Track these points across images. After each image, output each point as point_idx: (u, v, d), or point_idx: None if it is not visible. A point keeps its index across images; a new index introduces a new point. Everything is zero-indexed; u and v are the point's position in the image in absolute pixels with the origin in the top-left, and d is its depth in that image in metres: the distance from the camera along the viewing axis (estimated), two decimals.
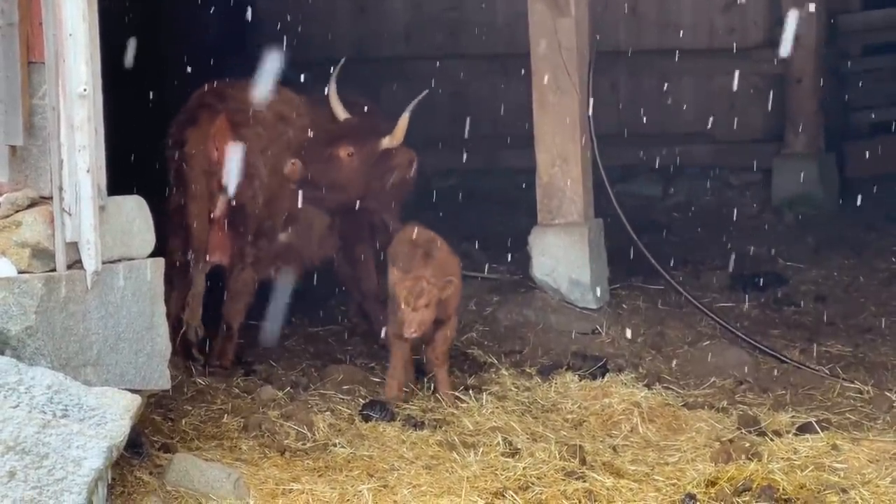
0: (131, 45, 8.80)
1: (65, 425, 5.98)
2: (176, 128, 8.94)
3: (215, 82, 9.13)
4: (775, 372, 9.05)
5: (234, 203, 8.84)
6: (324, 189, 8.98)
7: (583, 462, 7.19)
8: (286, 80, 9.25)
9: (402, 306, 8.03)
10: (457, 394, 8.22)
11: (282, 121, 9.05)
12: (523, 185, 10.65)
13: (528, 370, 8.91)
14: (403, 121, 9.04)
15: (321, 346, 9.53)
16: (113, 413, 6.11)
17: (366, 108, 9.39)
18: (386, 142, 9.07)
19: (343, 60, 9.36)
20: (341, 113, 9.18)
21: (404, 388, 8.41)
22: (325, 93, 9.28)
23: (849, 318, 10.15)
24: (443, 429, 7.87)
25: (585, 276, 9.70)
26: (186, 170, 8.79)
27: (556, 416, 8.15)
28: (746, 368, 9.03)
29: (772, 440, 7.57)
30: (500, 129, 13.78)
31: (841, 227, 12.42)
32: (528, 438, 7.68)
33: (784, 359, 9.18)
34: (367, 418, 8.01)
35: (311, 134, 9.05)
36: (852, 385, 8.73)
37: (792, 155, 13.37)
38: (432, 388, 8.45)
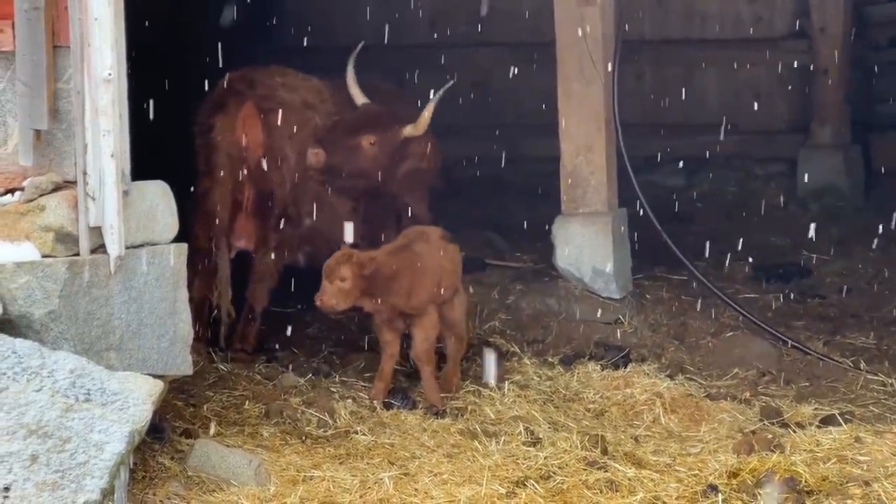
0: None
1: (87, 409, 5.99)
2: (203, 114, 8.96)
3: (244, 69, 9.14)
4: (799, 364, 9.02)
5: (262, 189, 8.85)
6: (346, 176, 8.98)
7: (604, 452, 7.18)
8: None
9: (323, 277, 7.93)
10: (439, 403, 8.07)
11: (308, 107, 9.06)
12: (547, 174, 10.63)
13: (550, 359, 8.90)
14: (428, 111, 9.03)
15: (343, 333, 9.53)
16: (135, 398, 6.11)
17: (388, 93, 9.38)
18: (408, 130, 9.05)
19: (360, 45, 9.34)
20: (360, 97, 9.17)
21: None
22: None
23: (873, 311, 10.11)
24: (464, 417, 7.87)
25: (609, 266, 9.68)
26: (213, 156, 8.81)
27: (578, 406, 8.14)
28: (769, 360, 9.00)
29: (794, 432, 7.54)
30: (524, 117, 13.76)
31: (866, 218, 12.36)
32: (549, 428, 7.68)
33: (807, 351, 9.15)
34: (388, 406, 8.01)
35: (333, 122, 9.04)
36: (876, 377, 8.70)
37: (817, 146, 13.31)
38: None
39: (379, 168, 9.03)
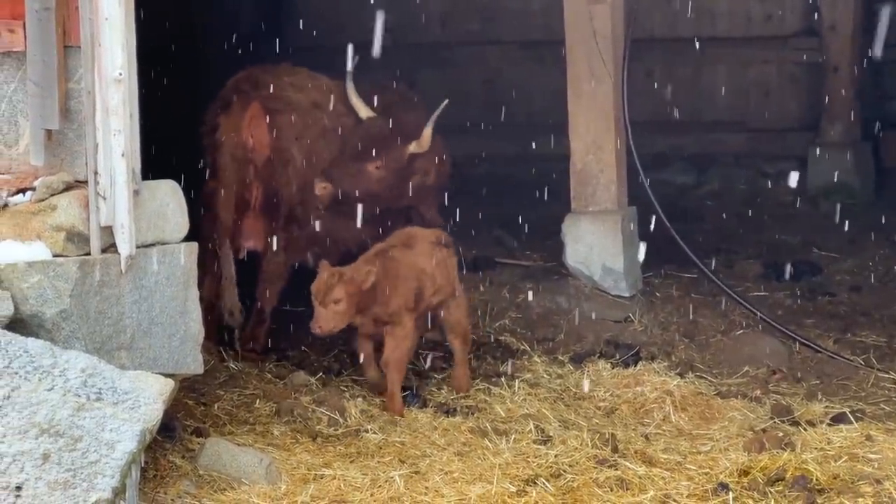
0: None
1: (99, 408, 6.00)
2: (210, 114, 8.97)
3: (251, 68, 9.13)
4: (809, 362, 9.02)
5: (269, 189, 8.85)
6: (354, 201, 8.95)
7: (615, 450, 7.18)
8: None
9: (314, 301, 7.80)
10: (397, 413, 7.91)
11: (317, 107, 9.05)
12: (557, 173, 10.62)
13: (560, 357, 8.90)
14: (428, 131, 8.99)
15: (354, 331, 9.51)
16: (146, 397, 6.12)
17: (398, 95, 9.35)
18: (413, 147, 9.00)
19: (356, 58, 9.20)
20: (363, 110, 9.08)
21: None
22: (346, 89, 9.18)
23: (883, 309, 10.09)
24: (475, 415, 7.87)
25: (619, 264, 9.68)
26: (219, 156, 8.82)
27: (589, 404, 8.14)
28: (780, 358, 9.00)
29: (805, 430, 7.54)
30: (534, 116, 13.76)
31: (876, 216, 12.34)
32: (560, 426, 7.68)
33: (818, 348, 9.14)
34: None
35: (338, 148, 8.99)
36: (887, 375, 8.69)
37: (827, 144, 13.30)
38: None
39: (387, 188, 9.00)
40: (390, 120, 9.01)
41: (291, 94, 8.98)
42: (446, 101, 9.00)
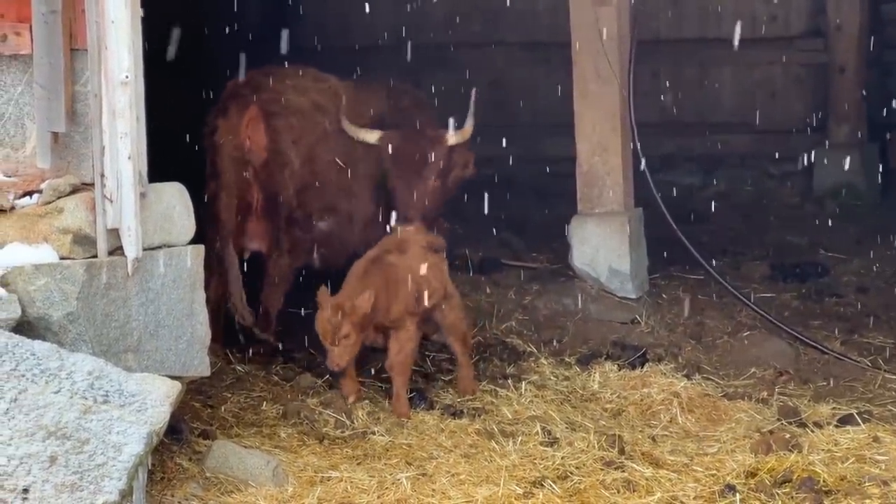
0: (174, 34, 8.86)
1: (105, 411, 6.00)
2: (210, 117, 8.98)
3: (251, 71, 9.13)
4: (816, 363, 9.01)
5: (269, 192, 8.86)
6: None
7: (622, 452, 7.18)
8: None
9: (322, 341, 7.80)
10: (404, 415, 7.91)
11: (318, 109, 9.04)
12: (563, 174, 10.62)
13: (567, 359, 8.90)
14: (470, 123, 9.06)
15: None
16: (153, 399, 6.13)
17: (407, 95, 9.37)
18: (454, 138, 9.05)
19: (344, 100, 9.21)
20: (370, 135, 9.08)
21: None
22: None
23: (890, 310, 10.08)
24: (481, 417, 7.87)
25: (625, 266, 9.68)
26: (218, 158, 8.83)
27: (595, 406, 8.14)
28: (787, 359, 8.99)
29: (812, 432, 7.53)
30: (540, 117, 13.75)
31: (883, 217, 12.34)
32: (566, 428, 7.68)
33: (825, 350, 9.13)
34: None
35: (393, 169, 9.04)
36: (894, 377, 8.68)
37: (834, 145, 13.28)
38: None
39: (442, 188, 9.13)
40: (407, 125, 9.07)
41: (292, 97, 8.98)
42: (475, 90, 9.06)
